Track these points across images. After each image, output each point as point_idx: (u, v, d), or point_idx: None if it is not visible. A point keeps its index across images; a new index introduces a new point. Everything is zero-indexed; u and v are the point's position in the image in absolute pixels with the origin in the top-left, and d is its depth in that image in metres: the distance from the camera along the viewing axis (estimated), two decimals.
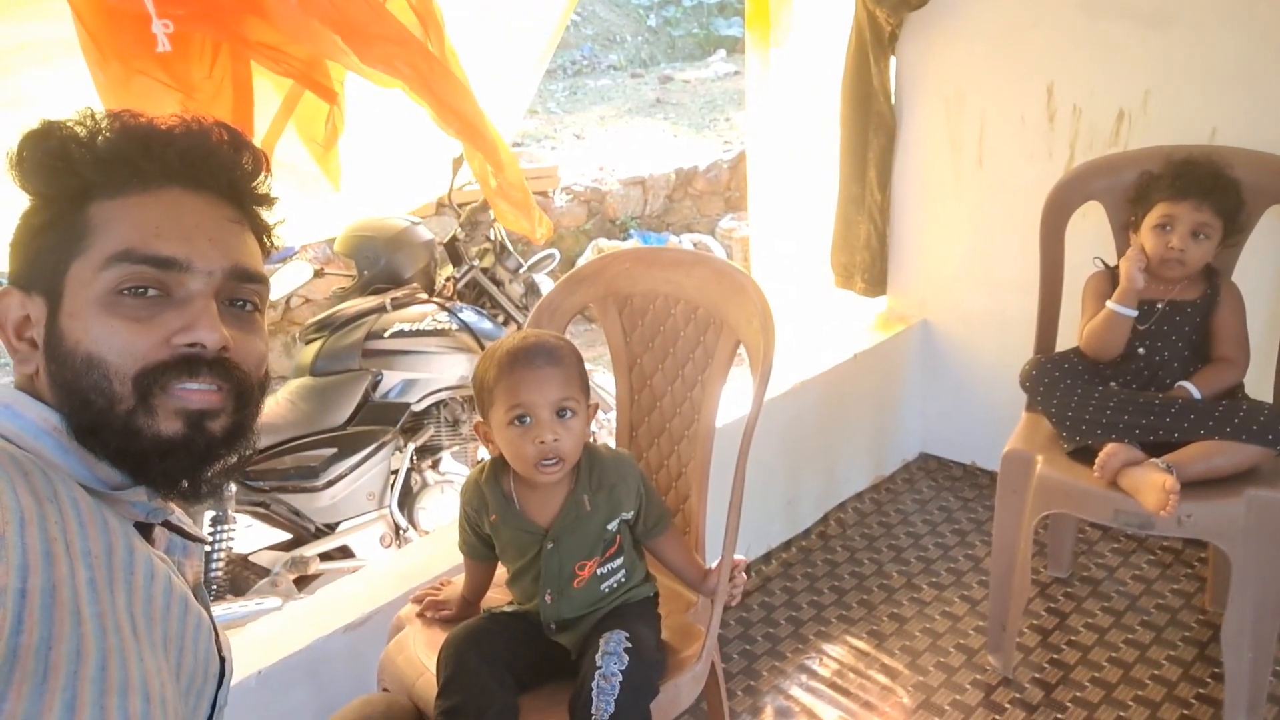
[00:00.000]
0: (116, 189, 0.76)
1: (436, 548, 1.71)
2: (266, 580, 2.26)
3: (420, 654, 1.35)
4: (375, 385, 2.53)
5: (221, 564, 2.22)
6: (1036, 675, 1.91)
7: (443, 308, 2.69)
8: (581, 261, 5.54)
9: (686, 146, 6.96)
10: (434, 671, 1.29)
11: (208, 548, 2.22)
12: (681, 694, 1.30)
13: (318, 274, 2.89)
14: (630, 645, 1.21)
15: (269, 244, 0.88)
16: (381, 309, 2.61)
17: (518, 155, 5.86)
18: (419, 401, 2.59)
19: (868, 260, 2.66)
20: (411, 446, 2.58)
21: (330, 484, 2.40)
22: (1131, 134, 2.11)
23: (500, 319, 2.90)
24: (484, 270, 2.92)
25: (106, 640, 0.65)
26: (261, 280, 0.83)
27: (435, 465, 2.65)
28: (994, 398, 2.56)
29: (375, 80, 1.35)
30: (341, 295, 2.85)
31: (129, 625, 0.68)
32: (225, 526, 2.23)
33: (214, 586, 2.20)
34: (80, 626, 0.63)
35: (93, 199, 0.76)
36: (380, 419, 2.51)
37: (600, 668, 1.18)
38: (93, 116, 0.78)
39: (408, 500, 2.57)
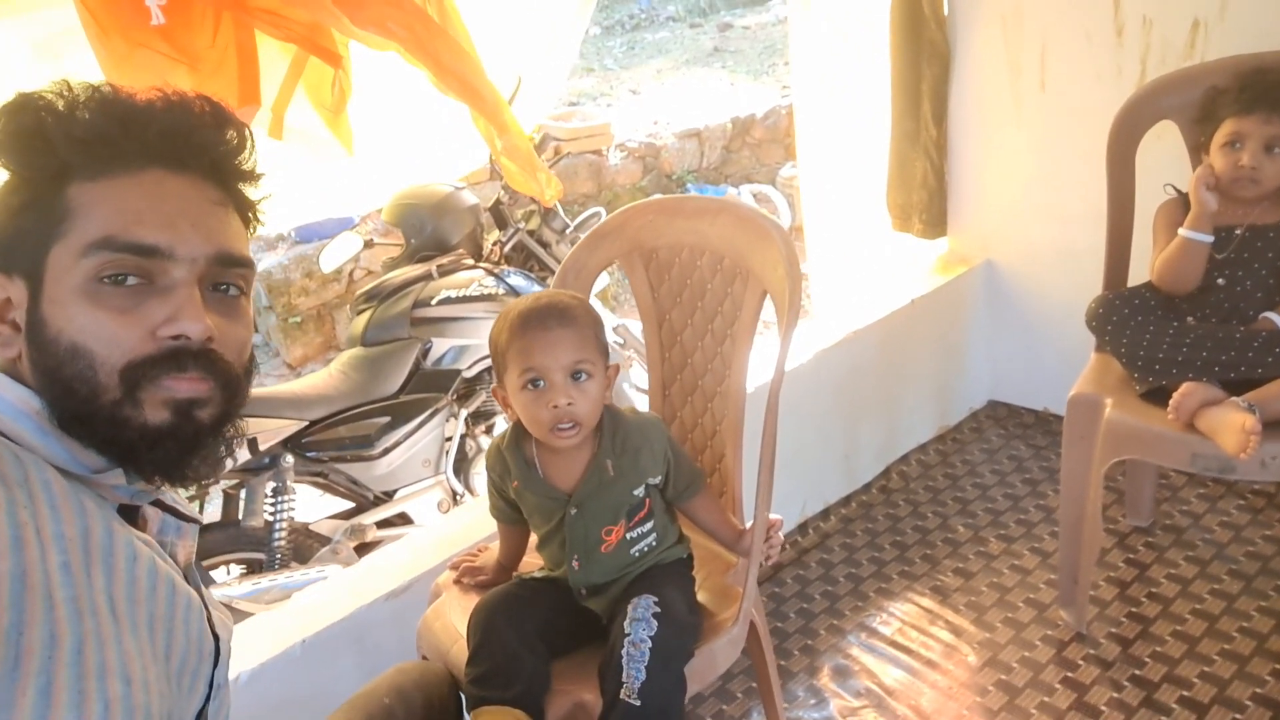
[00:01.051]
0: (96, 170, 0.74)
1: (477, 513, 1.70)
2: (328, 548, 2.30)
3: (455, 621, 1.34)
4: (425, 353, 2.53)
5: (284, 534, 2.27)
6: (1113, 630, 1.81)
7: (489, 273, 2.67)
8: None
9: (745, 95, 6.76)
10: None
11: (269, 518, 2.26)
12: (718, 657, 1.25)
13: (368, 245, 2.91)
14: (659, 610, 1.17)
15: (255, 221, 0.85)
16: (428, 276, 2.60)
17: (570, 114, 5.79)
18: (470, 367, 2.58)
19: (925, 200, 2.53)
20: (464, 412, 2.59)
21: (386, 452, 2.42)
22: (1208, 45, 1.93)
23: (549, 280, 2.87)
24: (530, 232, 2.89)
25: (83, 624, 0.64)
26: (246, 264, 0.80)
27: (489, 430, 2.65)
28: (1066, 339, 2.41)
29: (369, 44, 1.31)
30: (391, 265, 2.86)
31: (107, 608, 0.66)
32: (285, 497, 2.28)
33: (278, 555, 2.25)
34: (53, 611, 0.62)
35: (72, 180, 0.74)
36: (432, 386, 2.52)
37: (629, 635, 1.15)
38: (69, 88, 0.76)
39: (463, 465, 2.58)
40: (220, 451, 0.79)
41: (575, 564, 1.25)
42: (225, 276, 0.78)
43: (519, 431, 1.27)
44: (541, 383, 1.17)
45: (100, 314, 0.71)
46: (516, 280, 2.69)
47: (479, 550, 1.49)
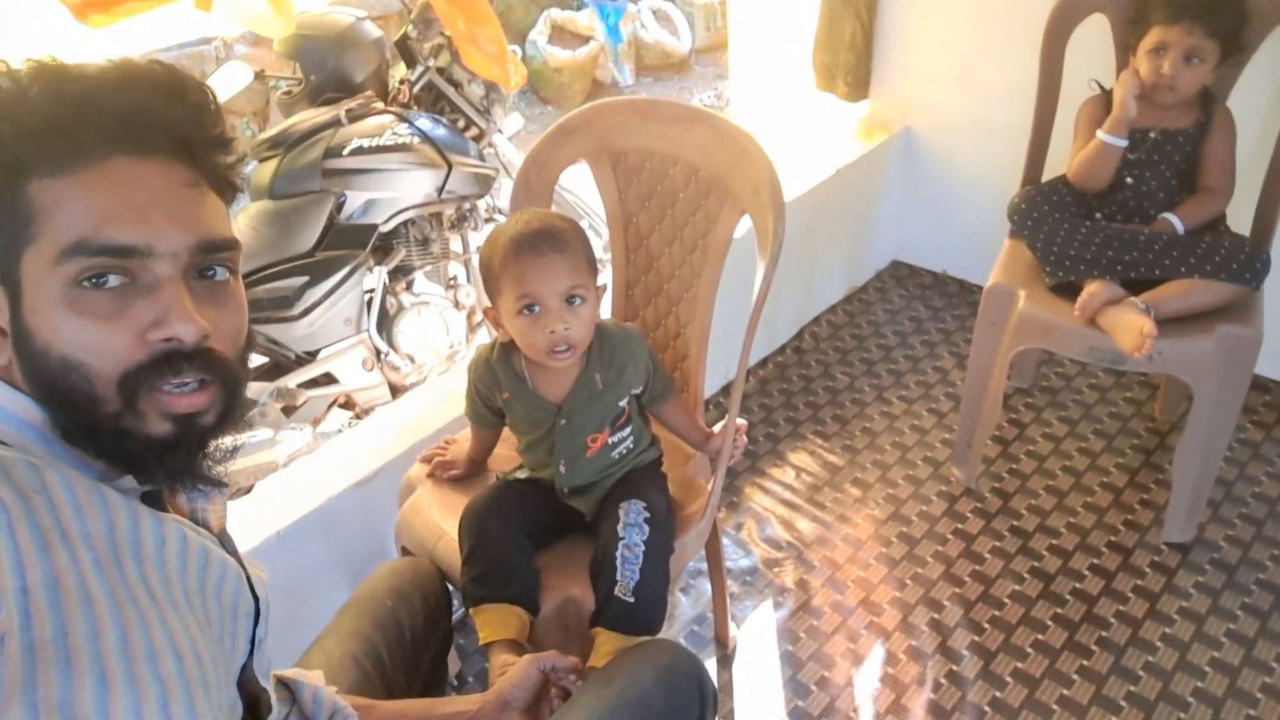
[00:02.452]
0: (55, 165, 0.68)
1: (430, 399, 1.73)
2: (255, 410, 2.27)
3: (436, 516, 1.40)
4: (340, 207, 2.42)
5: None
6: (995, 485, 2.07)
7: (401, 118, 2.52)
8: (534, 33, 5.16)
9: None
10: (452, 534, 1.35)
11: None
12: (688, 549, 1.39)
13: (258, 76, 2.67)
14: (649, 515, 1.28)
15: (232, 187, 0.80)
16: (337, 122, 2.44)
17: None
18: (386, 222, 2.50)
19: (852, 61, 2.53)
20: (383, 269, 2.53)
21: (306, 312, 2.36)
22: None
23: (460, 123, 2.74)
24: (439, 70, 2.72)
25: (123, 614, 0.66)
26: (232, 246, 0.76)
27: (409, 287, 2.60)
28: (971, 207, 2.56)
29: None
30: (289, 103, 2.65)
31: (145, 594, 0.69)
32: None
33: None
34: (93, 608, 0.64)
35: (30, 177, 0.68)
36: (348, 242, 2.43)
37: (623, 538, 1.25)
38: (8, 68, 0.69)
39: (385, 323, 2.55)
40: (230, 443, 0.79)
41: (562, 468, 1.33)
42: (210, 262, 0.74)
43: (508, 345, 1.30)
44: (537, 308, 1.19)
45: (85, 322, 0.68)
46: (425, 124, 2.56)
47: (446, 443, 1.54)
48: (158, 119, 0.72)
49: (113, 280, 0.68)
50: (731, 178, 1.33)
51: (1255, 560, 1.83)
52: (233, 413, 0.77)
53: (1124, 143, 1.74)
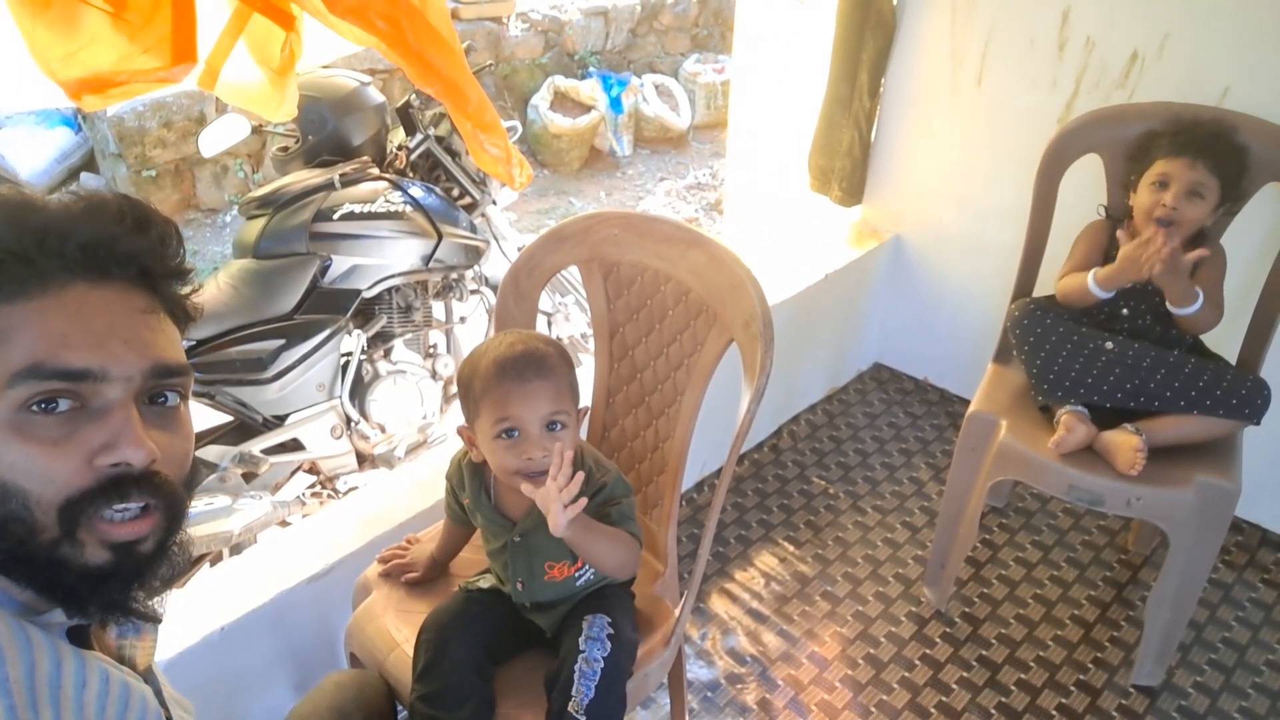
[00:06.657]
0: (13, 292, 0.68)
1: (395, 490, 1.68)
2: (215, 476, 2.21)
3: (390, 625, 1.35)
4: (324, 270, 2.39)
5: None
6: (966, 609, 2.03)
7: (394, 185, 2.51)
8: (537, 98, 5.21)
9: None
10: (405, 647, 1.30)
11: None
12: (650, 679, 1.33)
13: (256, 131, 2.67)
14: (613, 631, 1.23)
15: (187, 315, 0.80)
16: (330, 186, 2.43)
17: None
18: (370, 287, 2.47)
19: (848, 168, 2.55)
20: (362, 335, 2.49)
21: (279, 375, 2.31)
22: (1142, 78, 2.00)
23: (455, 192, 2.74)
24: (439, 139, 2.72)
25: None
26: (184, 372, 0.76)
27: (387, 354, 2.56)
28: (957, 319, 2.57)
29: (346, 35, 1.16)
30: (284, 159, 2.64)
31: None
32: None
33: None
34: None
35: None
36: (329, 306, 2.40)
37: (584, 651, 1.20)
38: None
39: (359, 390, 2.51)
40: (166, 573, 0.77)
41: (519, 585, 1.28)
42: (162, 387, 0.74)
43: None
44: (516, 433, 1.16)
45: (31, 448, 0.67)
46: (418, 193, 2.56)
47: (407, 543, 1.49)
48: (121, 249, 0.72)
49: (63, 405, 0.68)
50: (722, 305, 1.31)
51: (1223, 711, 1.80)
52: (171, 541, 0.75)
53: (1107, 295, 1.73)
